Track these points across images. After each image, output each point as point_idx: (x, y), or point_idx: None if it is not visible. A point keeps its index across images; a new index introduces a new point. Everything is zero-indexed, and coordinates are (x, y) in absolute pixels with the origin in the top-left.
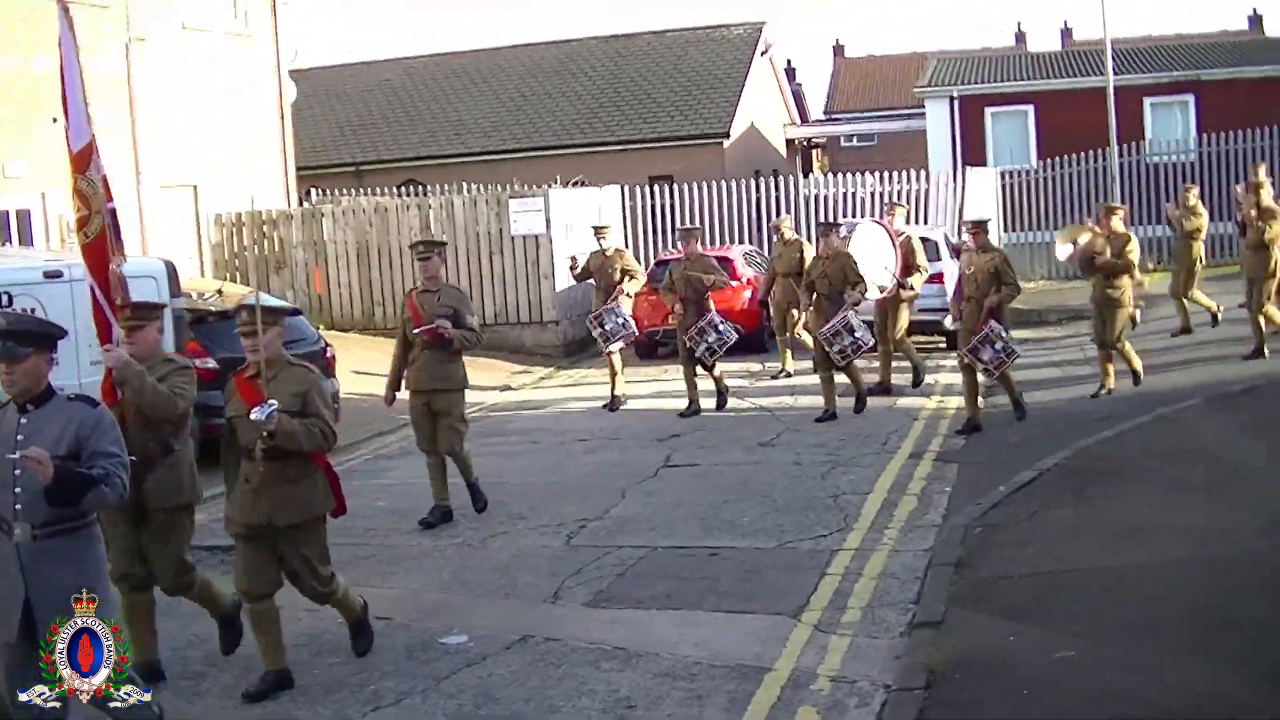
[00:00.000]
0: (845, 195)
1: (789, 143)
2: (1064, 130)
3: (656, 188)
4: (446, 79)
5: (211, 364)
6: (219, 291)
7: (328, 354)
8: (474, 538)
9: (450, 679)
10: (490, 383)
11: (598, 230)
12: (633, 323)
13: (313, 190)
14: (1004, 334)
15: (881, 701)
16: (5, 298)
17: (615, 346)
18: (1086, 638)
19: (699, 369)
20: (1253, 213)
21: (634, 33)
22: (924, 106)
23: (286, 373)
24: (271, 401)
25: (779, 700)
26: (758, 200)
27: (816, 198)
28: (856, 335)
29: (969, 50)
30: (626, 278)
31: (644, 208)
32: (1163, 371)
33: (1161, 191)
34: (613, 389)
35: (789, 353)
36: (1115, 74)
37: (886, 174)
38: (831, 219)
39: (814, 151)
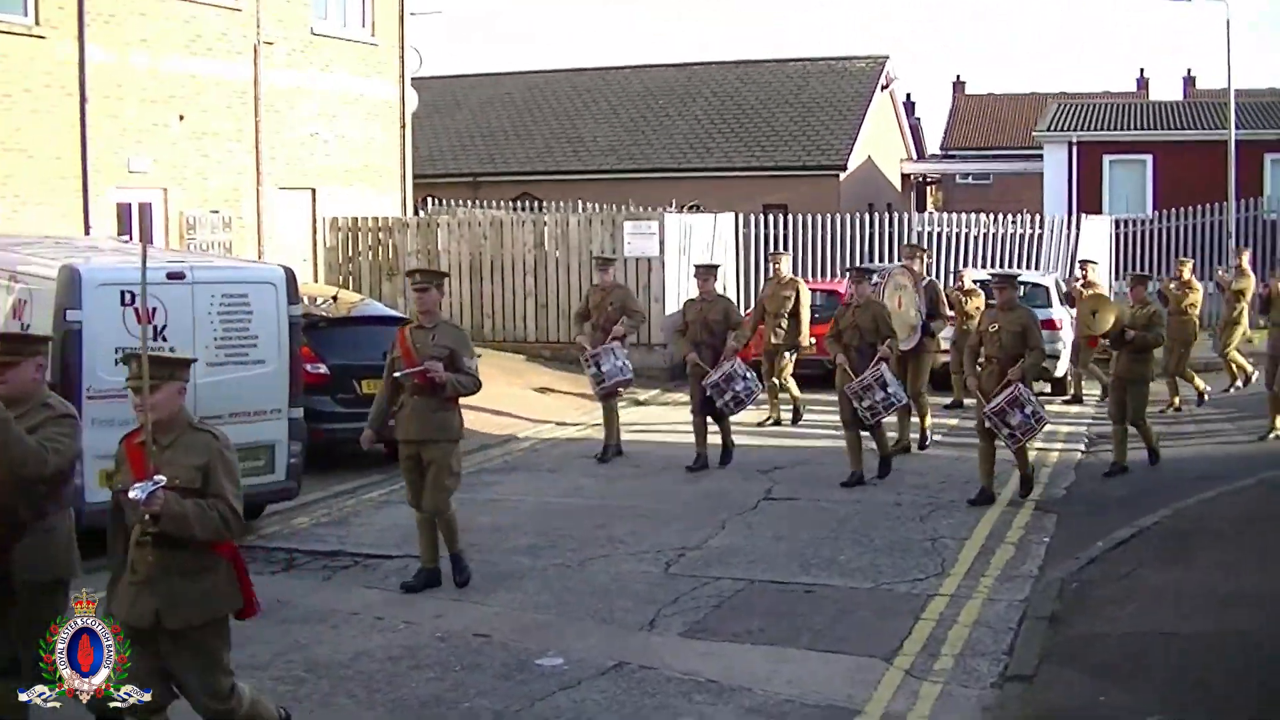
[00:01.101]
0: (958, 235)
1: (904, 177)
2: (1182, 182)
3: (771, 216)
4: (566, 95)
5: (323, 369)
6: (334, 298)
7: None
8: (573, 559)
9: (545, 701)
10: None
11: (601, 260)
12: (630, 367)
13: (429, 199)
14: (1033, 397)
15: None
16: (128, 296)
17: (610, 387)
18: (1179, 704)
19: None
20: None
21: (755, 60)
22: (1042, 149)
23: (187, 439)
24: (158, 477)
25: None
26: (871, 234)
27: (930, 235)
28: (889, 390)
29: (1090, 94)
30: (624, 317)
31: (758, 236)
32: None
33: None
34: (608, 437)
35: (778, 399)
36: (1237, 128)
37: (1000, 215)
38: (950, 258)
39: (929, 187)
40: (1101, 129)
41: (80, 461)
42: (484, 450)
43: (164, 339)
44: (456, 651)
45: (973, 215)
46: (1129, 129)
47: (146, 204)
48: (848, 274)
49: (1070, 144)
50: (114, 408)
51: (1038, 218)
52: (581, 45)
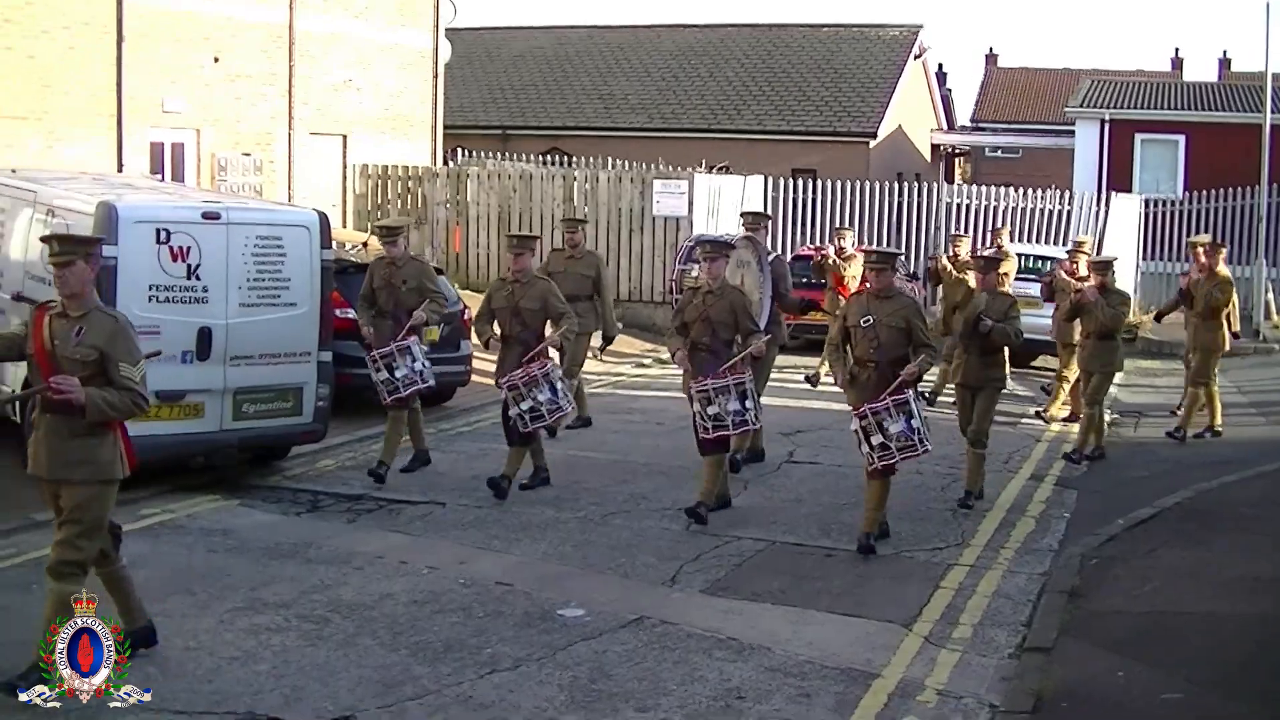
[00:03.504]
0: (986, 208)
1: (934, 148)
2: (1214, 164)
3: (800, 181)
4: (599, 51)
5: (352, 315)
6: (364, 244)
7: (464, 315)
8: (596, 513)
9: (566, 650)
10: (619, 360)
11: (385, 230)
12: (430, 370)
13: (458, 150)
14: (921, 413)
15: None
16: (163, 234)
17: (404, 396)
18: (1195, 682)
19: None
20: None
21: (788, 23)
22: (1073, 125)
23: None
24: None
25: (885, 707)
26: (899, 203)
27: (957, 207)
28: (746, 404)
29: (1123, 72)
30: (426, 300)
31: (786, 200)
32: None
33: None
34: (386, 453)
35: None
36: (1273, 112)
37: (1029, 190)
38: (958, 231)
39: (958, 159)
40: (1135, 107)
41: None
42: None
43: (197, 278)
44: (480, 598)
45: (1001, 189)
46: (1163, 108)
47: (179, 144)
48: (699, 248)
49: (1102, 121)
50: (146, 343)
51: (1067, 194)
52: (613, 2)
